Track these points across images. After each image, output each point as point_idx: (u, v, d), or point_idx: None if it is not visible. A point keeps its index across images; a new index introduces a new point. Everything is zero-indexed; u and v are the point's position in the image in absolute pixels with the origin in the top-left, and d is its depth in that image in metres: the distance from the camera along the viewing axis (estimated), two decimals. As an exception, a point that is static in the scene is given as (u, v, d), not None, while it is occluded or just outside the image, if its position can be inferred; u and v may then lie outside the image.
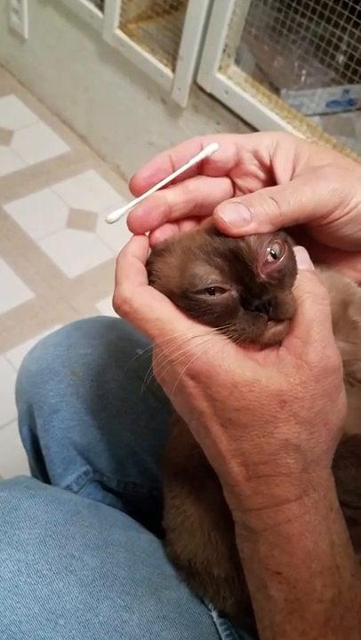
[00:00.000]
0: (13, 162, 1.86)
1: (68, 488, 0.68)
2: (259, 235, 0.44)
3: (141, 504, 0.71)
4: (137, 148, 1.80)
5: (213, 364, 0.41)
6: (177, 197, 0.48)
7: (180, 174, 0.48)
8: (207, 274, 0.43)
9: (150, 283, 0.46)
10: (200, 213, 0.50)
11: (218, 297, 0.43)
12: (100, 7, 1.61)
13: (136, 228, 0.47)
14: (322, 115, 1.44)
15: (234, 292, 0.43)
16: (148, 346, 0.71)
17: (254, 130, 1.39)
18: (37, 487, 0.60)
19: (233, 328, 0.43)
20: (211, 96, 1.45)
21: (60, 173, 1.88)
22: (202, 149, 0.48)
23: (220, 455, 0.43)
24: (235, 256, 0.44)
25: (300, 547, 0.42)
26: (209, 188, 0.49)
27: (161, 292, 0.45)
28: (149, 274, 0.47)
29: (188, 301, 0.44)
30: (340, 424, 0.44)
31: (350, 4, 1.15)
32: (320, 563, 0.42)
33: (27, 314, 1.53)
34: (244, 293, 0.43)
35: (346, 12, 1.19)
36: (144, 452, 0.68)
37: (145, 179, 0.47)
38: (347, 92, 1.43)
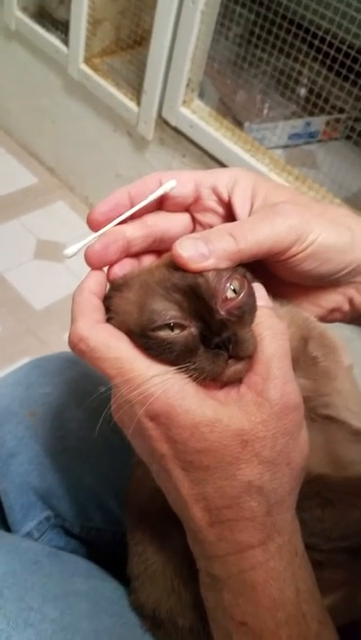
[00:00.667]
0: (-21, 194, 1.85)
1: (29, 535, 0.65)
2: (218, 271, 0.44)
3: (106, 549, 0.69)
4: (105, 179, 1.80)
5: (173, 404, 0.40)
6: (136, 232, 0.47)
7: (140, 210, 0.47)
8: (166, 310, 0.42)
9: (109, 319, 0.45)
10: (160, 248, 0.49)
11: (177, 334, 0.42)
12: (65, 42, 1.63)
13: (94, 263, 0.46)
14: (284, 147, 1.47)
15: (193, 330, 0.42)
16: (111, 384, 0.69)
17: (219, 162, 1.41)
18: (-6, 537, 0.57)
19: (193, 367, 0.41)
20: (176, 129, 1.47)
21: (27, 205, 1.87)
22: (160, 185, 0.47)
23: (182, 499, 0.41)
24: (194, 292, 0.43)
25: (266, 595, 0.41)
26: (168, 222, 0.49)
27: (120, 328, 0.44)
28: (108, 310, 0.46)
29: (146, 339, 0.42)
30: (303, 463, 0.42)
31: (309, 38, 1.18)
32: (285, 611, 0.41)
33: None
34: (204, 331, 0.42)
35: (305, 47, 1.22)
36: (107, 495, 0.66)
37: (103, 214, 0.46)
38: (308, 124, 1.46)
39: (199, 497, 0.41)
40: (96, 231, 0.46)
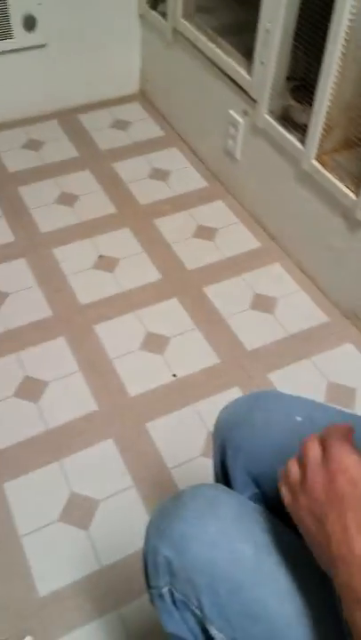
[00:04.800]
0: (214, 253, 2.31)
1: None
2: None
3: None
4: (317, 250, 2.13)
5: None
6: None
7: None
8: None
9: None
10: None
11: None
12: (302, 141, 2.02)
13: None
14: None
15: None
16: (306, 414, 1.01)
17: None
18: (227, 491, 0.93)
19: None
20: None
21: (250, 265, 2.27)
22: None
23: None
24: None
25: None
26: None
27: None
28: None
29: None
30: None
31: None
32: None
33: (213, 375, 1.89)
34: None
35: None
36: None
37: None
38: None
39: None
40: None
